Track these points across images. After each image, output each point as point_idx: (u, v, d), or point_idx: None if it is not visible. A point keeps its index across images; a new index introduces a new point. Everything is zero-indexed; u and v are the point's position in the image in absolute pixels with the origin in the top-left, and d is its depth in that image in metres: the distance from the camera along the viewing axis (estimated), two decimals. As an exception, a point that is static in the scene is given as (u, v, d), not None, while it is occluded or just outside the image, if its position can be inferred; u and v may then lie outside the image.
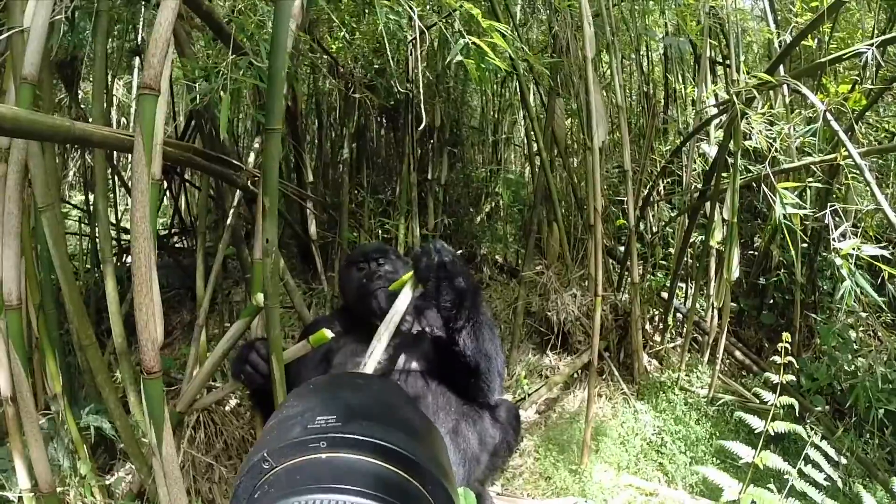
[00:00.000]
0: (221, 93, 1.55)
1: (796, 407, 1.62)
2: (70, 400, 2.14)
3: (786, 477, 1.60)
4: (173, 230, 4.18)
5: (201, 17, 1.80)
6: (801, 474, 1.56)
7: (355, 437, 0.48)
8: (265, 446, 0.49)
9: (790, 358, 1.62)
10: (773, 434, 1.63)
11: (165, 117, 1.58)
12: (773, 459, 1.55)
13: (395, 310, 1.66)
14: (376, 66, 2.94)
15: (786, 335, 1.63)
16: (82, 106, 3.26)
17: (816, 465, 1.57)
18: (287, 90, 2.12)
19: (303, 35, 1.99)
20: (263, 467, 0.48)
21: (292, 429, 0.50)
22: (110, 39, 2.99)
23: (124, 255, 3.80)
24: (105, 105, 2.51)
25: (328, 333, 1.59)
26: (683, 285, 3.31)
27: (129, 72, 4.02)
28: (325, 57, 2.93)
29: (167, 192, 4.09)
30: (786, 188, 2.19)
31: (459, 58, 1.70)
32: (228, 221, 2.32)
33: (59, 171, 2.60)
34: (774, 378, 1.62)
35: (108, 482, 2.18)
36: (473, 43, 1.67)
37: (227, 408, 2.46)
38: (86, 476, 2.08)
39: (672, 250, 3.42)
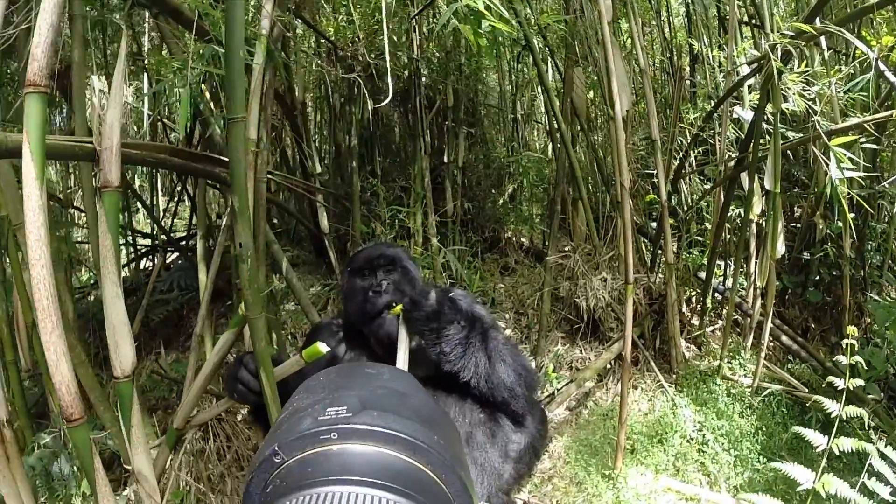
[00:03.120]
0: (179, 88, 1.40)
1: (866, 420, 1.40)
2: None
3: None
4: (192, 230, 4.11)
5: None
6: (865, 489, 1.35)
7: (366, 427, 0.47)
8: (276, 440, 0.48)
9: (855, 342, 1.40)
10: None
11: (125, 118, 1.44)
12: (836, 483, 1.33)
13: (400, 360, 1.55)
14: (379, 46, 2.75)
15: (852, 329, 1.40)
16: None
17: (882, 478, 1.35)
18: (274, 78, 1.97)
19: (283, 16, 1.82)
20: (274, 461, 0.47)
21: (303, 421, 0.48)
22: (106, 44, 2.89)
23: (141, 260, 3.77)
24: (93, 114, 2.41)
25: (322, 348, 1.47)
26: (722, 263, 3.05)
27: (135, 76, 3.93)
28: (324, 41, 2.76)
29: (185, 192, 4.02)
30: (839, 146, 1.93)
31: (454, 23, 1.50)
32: (225, 222, 2.20)
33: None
34: (839, 383, 1.40)
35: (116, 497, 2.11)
36: (466, 6, 1.47)
37: (238, 417, 2.37)
38: (93, 493, 2.01)
39: (708, 225, 3.16)
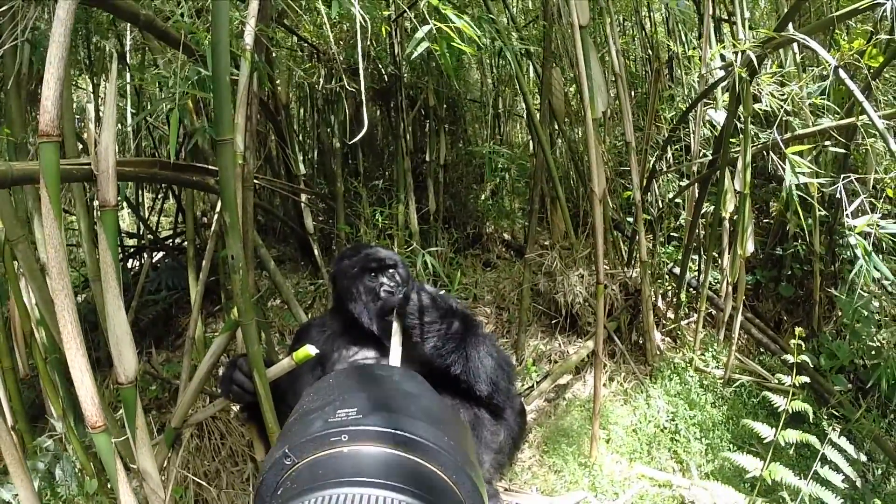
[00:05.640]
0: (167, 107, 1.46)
1: (810, 415, 1.51)
2: (75, 419, 2.14)
3: (797, 488, 1.50)
4: (178, 229, 4.14)
5: (136, 24, 1.70)
6: (817, 476, 1.46)
7: (376, 428, 0.47)
8: (287, 442, 0.48)
9: (801, 343, 1.52)
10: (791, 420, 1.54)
11: (120, 137, 1.50)
12: (782, 471, 1.45)
13: (394, 355, 1.64)
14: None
15: (799, 330, 1.51)
16: (78, 116, 3.20)
17: (835, 467, 1.47)
18: (259, 88, 2.02)
19: (266, 29, 1.87)
20: (285, 463, 0.47)
21: (313, 423, 0.49)
22: (90, 45, 2.91)
23: (128, 260, 3.80)
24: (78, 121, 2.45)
25: (311, 351, 1.55)
26: (696, 258, 3.16)
27: (118, 75, 3.93)
28: (306, 44, 2.81)
29: (170, 191, 4.05)
30: (797, 153, 2.03)
31: (425, 45, 1.58)
32: (213, 228, 2.26)
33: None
34: (786, 379, 1.51)
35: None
36: (438, 29, 1.54)
37: (231, 415, 2.45)
38: (95, 493, 2.09)
39: (683, 222, 3.26)
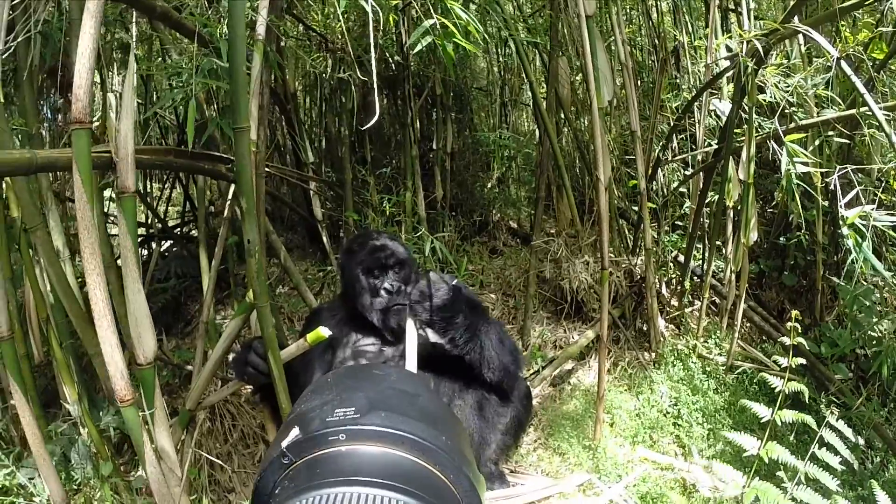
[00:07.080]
0: (179, 97, 1.49)
1: (805, 393, 1.55)
2: (89, 403, 2.19)
3: (794, 468, 1.54)
4: (186, 217, 4.18)
5: (152, 15, 1.73)
6: (815, 458, 1.50)
7: (374, 428, 0.47)
8: (284, 441, 0.48)
9: (798, 326, 1.55)
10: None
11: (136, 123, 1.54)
12: (779, 450, 1.48)
13: (410, 352, 1.70)
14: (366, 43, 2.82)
15: (795, 313, 1.54)
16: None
17: (832, 449, 1.51)
18: (270, 77, 2.05)
19: (276, 20, 1.90)
20: (283, 462, 0.48)
21: (311, 422, 0.49)
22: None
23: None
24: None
25: (324, 332, 1.59)
26: (700, 246, 3.19)
27: (123, 66, 3.94)
28: (314, 34, 2.83)
29: (177, 180, 4.08)
30: (795, 141, 2.05)
31: (428, 40, 1.60)
32: (225, 214, 2.30)
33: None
34: (783, 361, 1.55)
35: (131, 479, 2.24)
36: (442, 25, 1.57)
37: (242, 399, 2.50)
38: (110, 475, 2.14)
39: (688, 210, 3.28)
